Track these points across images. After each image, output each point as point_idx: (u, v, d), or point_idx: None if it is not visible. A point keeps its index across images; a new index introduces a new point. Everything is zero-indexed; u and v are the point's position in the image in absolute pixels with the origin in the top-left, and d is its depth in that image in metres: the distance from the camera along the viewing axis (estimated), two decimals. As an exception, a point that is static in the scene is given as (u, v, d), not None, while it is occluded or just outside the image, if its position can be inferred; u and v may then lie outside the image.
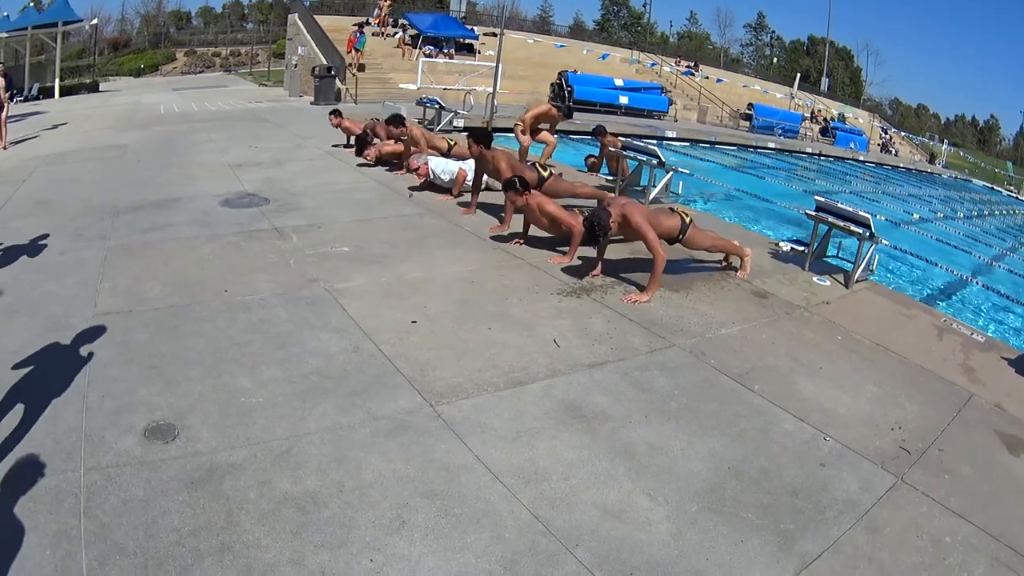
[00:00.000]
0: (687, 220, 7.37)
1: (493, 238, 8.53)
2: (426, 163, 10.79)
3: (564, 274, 7.45)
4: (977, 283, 11.94)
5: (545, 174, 9.36)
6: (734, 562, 3.59)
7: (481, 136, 9.19)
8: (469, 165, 10.33)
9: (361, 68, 28.72)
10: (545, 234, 8.36)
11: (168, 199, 9.75)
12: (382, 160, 12.65)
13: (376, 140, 12.90)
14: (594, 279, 7.33)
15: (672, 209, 7.68)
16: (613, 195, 10.55)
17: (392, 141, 12.39)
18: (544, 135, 12.50)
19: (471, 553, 3.46)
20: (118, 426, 4.26)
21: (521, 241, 8.37)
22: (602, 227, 6.87)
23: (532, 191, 8.00)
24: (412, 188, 10.95)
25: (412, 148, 11.59)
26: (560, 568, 3.42)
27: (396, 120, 11.93)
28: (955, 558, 3.77)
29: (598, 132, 13.58)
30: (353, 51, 28.96)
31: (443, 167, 10.65)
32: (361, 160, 12.89)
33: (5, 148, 14.19)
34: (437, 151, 11.94)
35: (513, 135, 12.63)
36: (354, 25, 31.13)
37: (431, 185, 10.91)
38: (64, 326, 5.52)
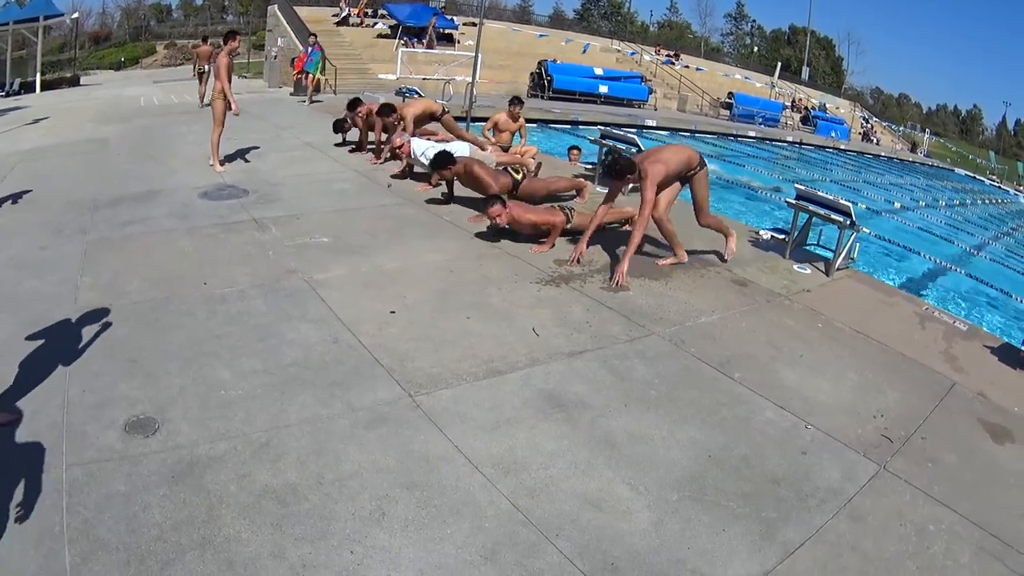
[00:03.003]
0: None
1: (476, 235, 8.46)
2: (408, 142, 10.64)
3: (543, 263, 7.43)
4: (959, 271, 12.01)
5: (519, 177, 9.35)
6: (716, 551, 3.60)
7: (441, 161, 9.08)
8: (457, 147, 10.30)
9: (317, 89, 22.08)
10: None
11: (148, 192, 9.65)
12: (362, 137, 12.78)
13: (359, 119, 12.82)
14: (572, 268, 7.32)
15: None
16: (589, 183, 10.57)
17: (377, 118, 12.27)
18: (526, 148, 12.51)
19: (451, 544, 3.46)
20: (99, 421, 4.23)
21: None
22: (623, 166, 7.11)
23: (507, 204, 7.97)
24: (394, 176, 10.91)
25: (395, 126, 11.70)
26: (541, 558, 3.42)
27: (385, 110, 11.91)
28: (939, 546, 3.79)
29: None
30: (304, 74, 21.86)
31: (424, 149, 10.48)
32: (340, 144, 13.01)
33: None
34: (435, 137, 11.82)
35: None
36: (311, 36, 22.68)
37: (411, 173, 10.86)
38: (45, 322, 5.44)
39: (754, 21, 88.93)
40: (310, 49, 21.74)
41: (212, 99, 11.28)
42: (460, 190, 9.60)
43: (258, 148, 12.91)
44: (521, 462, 4.15)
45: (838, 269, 7.95)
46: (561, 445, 4.35)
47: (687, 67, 45.23)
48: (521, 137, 13.49)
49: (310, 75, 21.48)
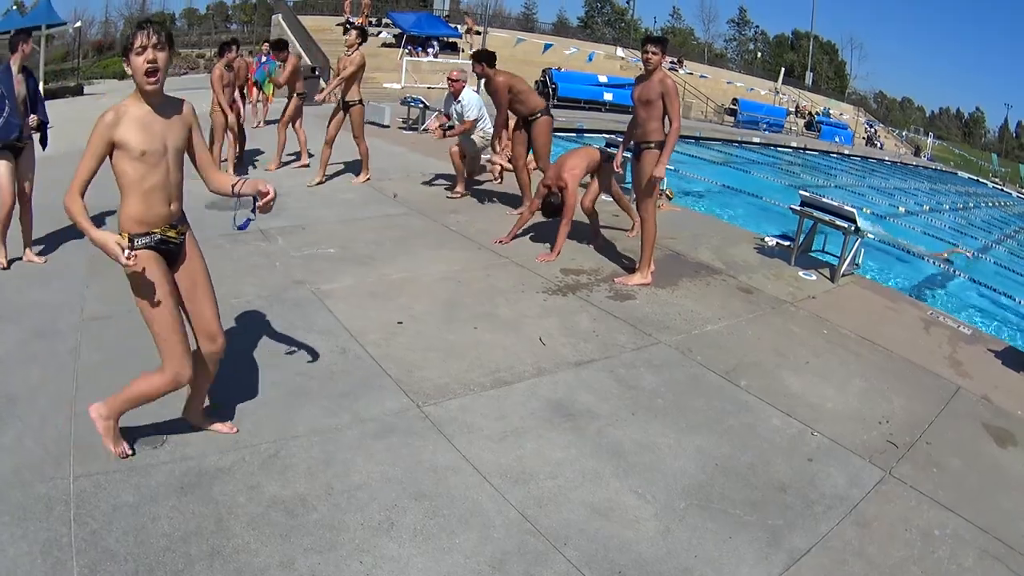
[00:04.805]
0: None
1: (482, 244, 8.47)
2: (465, 80, 10.91)
3: (550, 272, 7.46)
4: (963, 275, 11.99)
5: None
6: (723, 559, 3.60)
7: (484, 57, 9.51)
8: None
9: (269, 94, 17.77)
10: (533, 227, 8.57)
11: (153, 202, 9.65)
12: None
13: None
14: (579, 278, 7.34)
15: None
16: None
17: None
18: None
19: (460, 554, 3.46)
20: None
21: (504, 240, 8.35)
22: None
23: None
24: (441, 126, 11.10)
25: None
26: (549, 567, 3.42)
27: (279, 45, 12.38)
28: (944, 551, 3.79)
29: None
30: (254, 89, 16.73)
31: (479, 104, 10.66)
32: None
33: None
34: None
35: None
36: (265, 43, 18.24)
37: (414, 183, 10.92)
38: (51, 332, 5.45)
39: (757, 26, 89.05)
40: (263, 58, 17.28)
41: (210, 112, 11.22)
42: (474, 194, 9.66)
43: (263, 157, 12.94)
44: (529, 472, 4.15)
45: (843, 275, 7.96)
46: (569, 454, 4.36)
47: (691, 74, 45.25)
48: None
49: (259, 90, 17.40)
